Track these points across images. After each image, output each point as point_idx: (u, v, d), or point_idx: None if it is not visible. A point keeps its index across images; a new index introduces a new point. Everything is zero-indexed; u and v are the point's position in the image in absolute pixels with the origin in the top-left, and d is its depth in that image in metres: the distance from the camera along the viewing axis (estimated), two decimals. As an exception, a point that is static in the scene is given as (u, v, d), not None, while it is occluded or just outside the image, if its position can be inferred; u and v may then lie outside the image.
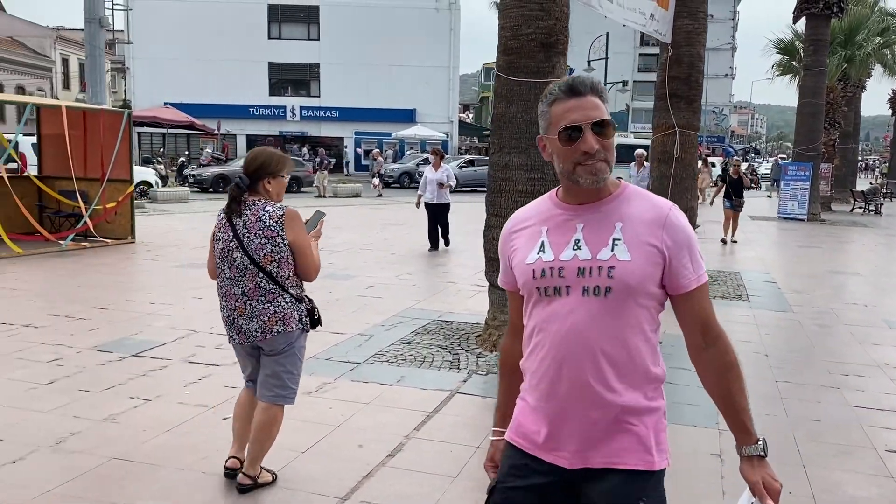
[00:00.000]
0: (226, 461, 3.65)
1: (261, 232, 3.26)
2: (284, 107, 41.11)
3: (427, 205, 11.93)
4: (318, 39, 40.90)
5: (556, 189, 1.85)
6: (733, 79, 69.06)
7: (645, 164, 13.88)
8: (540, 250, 1.77)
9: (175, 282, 8.73)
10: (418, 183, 13.66)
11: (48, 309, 7.07)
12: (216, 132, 35.11)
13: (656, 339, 1.78)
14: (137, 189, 16.20)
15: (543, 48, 5.60)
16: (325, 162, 27.04)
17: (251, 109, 40.82)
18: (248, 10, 39.58)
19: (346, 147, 41.97)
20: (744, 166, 28.97)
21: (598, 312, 1.69)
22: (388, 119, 40.43)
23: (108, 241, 11.60)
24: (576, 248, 1.72)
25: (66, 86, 48.04)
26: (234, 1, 39.23)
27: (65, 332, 6.25)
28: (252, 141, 41.54)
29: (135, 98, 36.99)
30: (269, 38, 40.73)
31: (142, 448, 3.95)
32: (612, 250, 1.69)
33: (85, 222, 11.13)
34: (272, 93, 41.24)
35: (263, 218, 3.27)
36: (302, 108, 41.24)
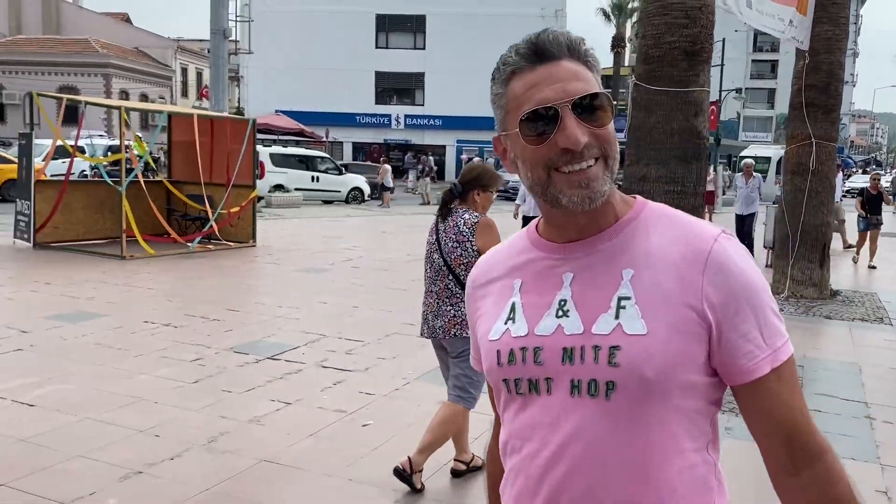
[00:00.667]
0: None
1: (454, 236, 3.53)
2: (389, 115, 41.86)
3: (525, 218, 11.58)
4: (424, 48, 41.48)
5: (536, 220, 1.23)
6: (854, 86, 65.53)
7: (754, 175, 12.76)
8: (509, 319, 1.15)
9: (299, 286, 8.96)
10: (516, 192, 13.46)
11: (184, 309, 7.38)
12: (324, 139, 36.15)
13: (713, 458, 1.11)
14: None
15: (687, 56, 5.41)
16: (428, 169, 27.32)
17: (357, 117, 41.78)
18: (356, 21, 40.57)
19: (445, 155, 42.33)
20: (886, 180, 26.69)
21: (600, 425, 1.05)
22: (491, 127, 40.23)
23: (231, 244, 12.06)
24: (561, 314, 1.09)
25: (185, 94, 50.58)
26: (343, 12, 40.29)
27: (202, 332, 6.50)
28: (357, 148, 42.54)
29: (247, 106, 38.56)
30: (377, 47, 41.60)
31: (288, 451, 4.03)
32: (617, 317, 1.05)
33: (211, 226, 11.61)
34: (378, 101, 42.07)
35: (459, 224, 3.53)
36: (406, 116, 41.89)
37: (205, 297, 8.07)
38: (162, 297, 8.04)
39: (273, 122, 24.92)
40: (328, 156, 25.16)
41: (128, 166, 10.91)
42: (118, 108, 10.97)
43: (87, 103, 11.10)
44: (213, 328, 6.65)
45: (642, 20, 5.66)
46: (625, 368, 1.02)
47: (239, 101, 41.96)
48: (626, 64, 51.19)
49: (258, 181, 22.55)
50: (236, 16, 18.51)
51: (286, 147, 25.19)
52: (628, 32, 48.64)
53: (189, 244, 11.36)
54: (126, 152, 11.12)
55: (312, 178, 23.12)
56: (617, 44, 45.92)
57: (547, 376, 1.08)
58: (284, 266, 10.51)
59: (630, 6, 45.59)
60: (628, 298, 1.06)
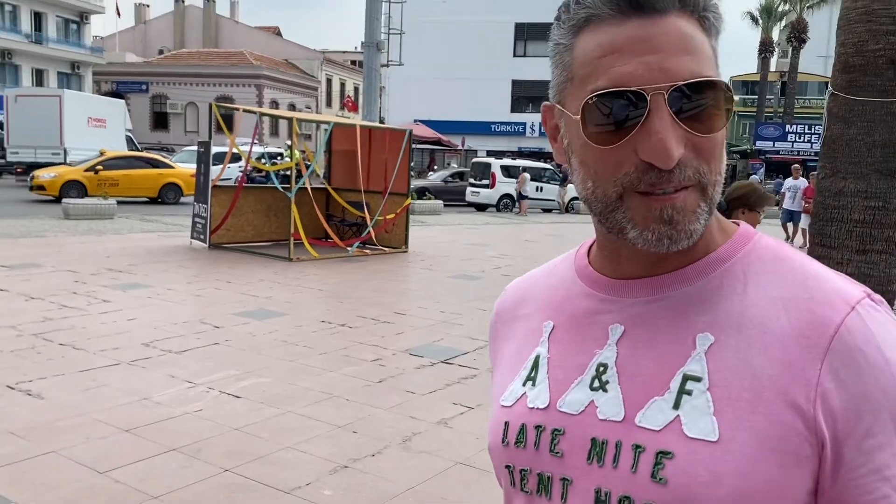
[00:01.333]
0: None
1: None
2: (524, 123, 41.97)
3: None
4: (563, 56, 41.34)
5: (590, 241, 0.88)
6: None
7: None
8: (528, 379, 0.83)
9: (456, 292, 9.15)
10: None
11: (356, 311, 7.72)
12: (460, 148, 36.74)
13: None
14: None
15: (893, 65, 5.11)
16: (570, 178, 27.18)
17: (492, 126, 42.17)
18: (495, 30, 41.01)
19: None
20: None
21: None
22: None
23: (386, 249, 12.49)
24: (597, 385, 0.76)
25: (329, 104, 52.88)
26: (483, 21, 40.84)
27: (376, 333, 6.77)
28: (491, 155, 42.86)
29: (388, 115, 39.79)
30: (514, 55, 41.84)
31: (481, 456, 4.13)
32: (677, 406, 0.71)
33: (369, 231, 12.07)
34: (513, 109, 42.29)
35: None
36: (541, 124, 41.82)
37: (372, 299, 8.40)
38: (332, 298, 8.45)
39: (413, 132, 25.65)
40: (551, 167, 26.38)
41: (286, 173, 11.53)
42: (290, 118, 11.62)
43: (261, 114, 11.84)
44: (385, 330, 6.92)
45: (842, 27, 5.39)
46: (673, 489, 0.68)
47: (380, 111, 43.41)
48: (774, 69, 48.71)
49: (489, 190, 24.32)
50: (388, 28, 19.19)
51: (514, 160, 27.59)
52: (776, 37, 46.34)
53: (348, 248, 11.87)
54: (293, 159, 11.77)
55: (537, 188, 24.90)
56: (765, 49, 43.86)
57: (564, 475, 0.76)
58: (437, 272, 10.76)
59: (779, 9, 43.44)
60: (698, 380, 0.71)
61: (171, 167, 21.26)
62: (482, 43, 40.90)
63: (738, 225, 0.80)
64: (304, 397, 4.94)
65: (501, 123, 42.25)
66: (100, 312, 7.00)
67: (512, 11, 40.87)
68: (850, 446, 0.67)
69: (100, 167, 19.95)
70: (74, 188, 19.31)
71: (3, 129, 26.96)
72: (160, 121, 50.31)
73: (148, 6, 63.05)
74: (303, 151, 13.47)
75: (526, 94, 42.30)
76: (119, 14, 54.85)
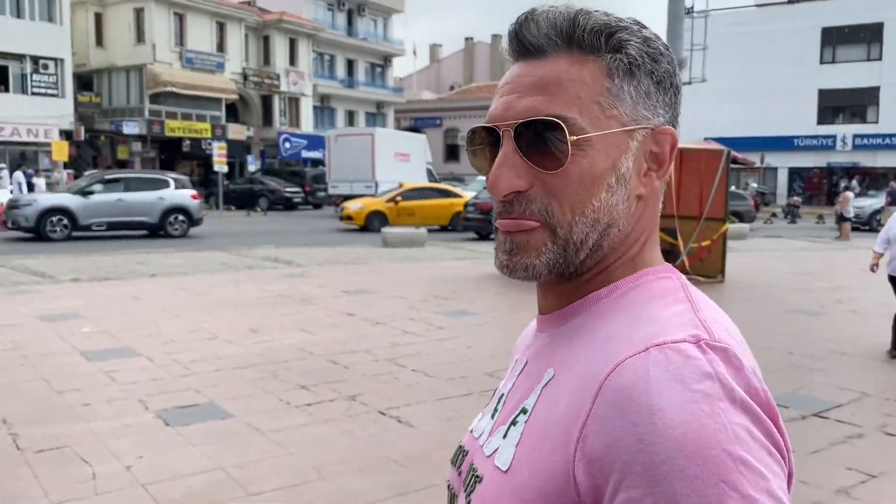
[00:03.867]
0: None
1: None
2: (834, 136, 37.79)
3: (892, 278, 6.91)
4: (880, 59, 36.58)
5: None
6: None
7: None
8: (494, 411, 0.86)
9: (798, 330, 8.16)
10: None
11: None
12: (757, 165, 34.01)
13: None
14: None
15: None
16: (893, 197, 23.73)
17: (795, 140, 38.55)
18: (799, 37, 37.57)
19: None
20: None
21: None
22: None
23: (700, 278, 11.70)
24: (495, 413, 0.83)
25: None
26: (785, 30, 37.67)
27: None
28: (793, 173, 39.19)
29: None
30: (821, 62, 37.95)
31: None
32: (506, 435, 0.75)
33: (682, 260, 11.40)
34: (820, 121, 38.29)
35: None
36: (855, 136, 37.33)
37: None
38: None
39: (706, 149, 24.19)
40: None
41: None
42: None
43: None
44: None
45: None
46: None
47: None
48: None
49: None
50: (692, 45, 18.34)
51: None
52: None
53: (660, 277, 11.31)
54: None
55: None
56: None
57: (455, 491, 0.86)
58: (765, 305, 9.76)
59: None
60: (525, 412, 0.74)
61: (461, 196, 22.34)
62: (784, 53, 37.65)
63: (655, 268, 0.78)
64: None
65: (806, 137, 38.44)
66: (438, 339, 7.27)
67: (819, 16, 37.19)
68: (607, 498, 0.61)
69: (399, 198, 21.56)
70: (377, 218, 21.07)
71: (324, 166, 30.51)
72: (451, 152, 53.57)
73: (441, 46, 67.98)
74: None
75: (835, 104, 38.10)
76: (416, 55, 59.77)
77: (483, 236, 18.71)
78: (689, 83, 19.55)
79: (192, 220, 18.92)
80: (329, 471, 4.04)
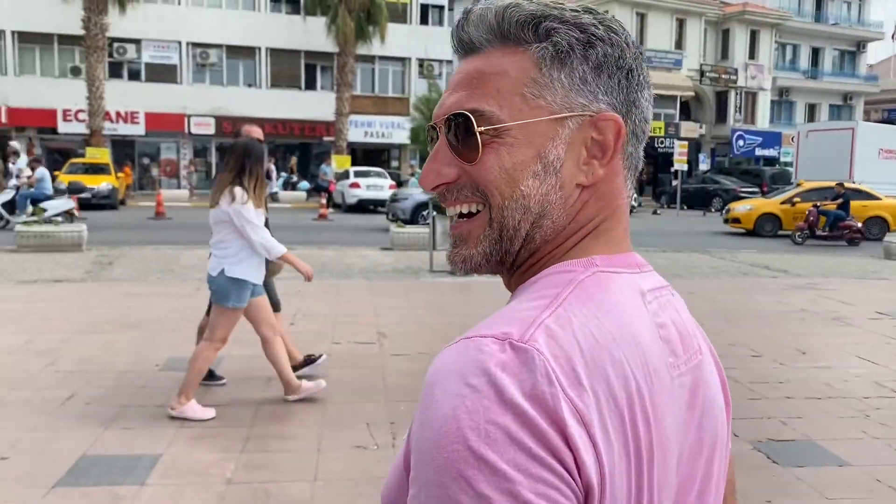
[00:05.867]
0: None
1: None
2: None
3: None
4: None
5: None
6: None
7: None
8: None
9: None
10: None
11: None
12: None
13: None
14: None
15: None
16: None
17: None
18: None
19: None
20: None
21: None
22: None
23: None
24: None
25: None
26: None
27: None
28: None
29: None
30: None
31: None
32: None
33: None
34: None
35: None
36: None
37: None
38: None
39: None
40: None
41: None
42: None
43: None
44: None
45: None
46: None
47: None
48: None
49: None
50: None
51: None
52: None
53: None
54: None
55: None
56: None
57: None
58: None
59: None
60: None
61: (878, 199, 18.86)
62: None
63: (586, 259, 0.75)
64: None
65: None
66: None
67: None
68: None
69: (797, 199, 18.67)
70: (769, 221, 18.79)
71: (780, 165, 27.82)
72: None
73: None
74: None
75: None
76: (894, 38, 51.62)
77: None
78: None
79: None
80: None
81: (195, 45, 31.66)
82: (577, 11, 0.74)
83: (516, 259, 0.76)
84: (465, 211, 0.76)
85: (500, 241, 0.75)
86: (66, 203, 15.49)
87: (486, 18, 0.74)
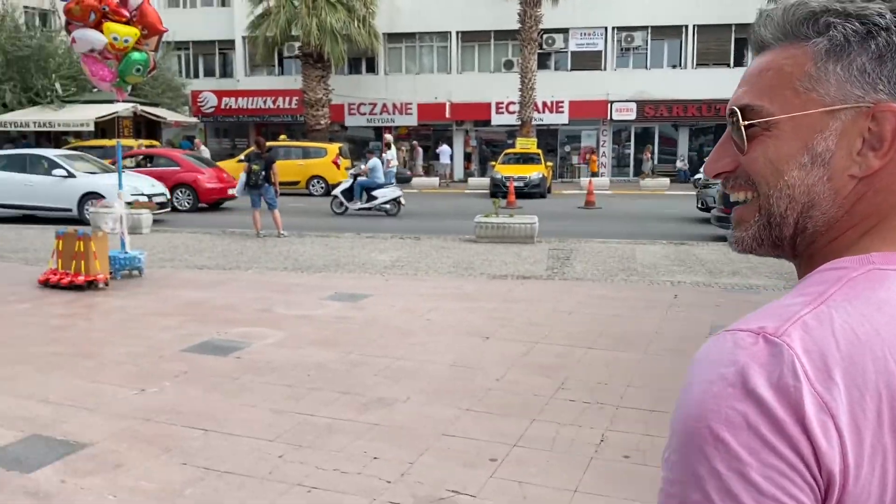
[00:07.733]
0: None
1: None
2: None
3: None
4: None
5: None
6: None
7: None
8: None
9: None
10: None
11: None
12: None
13: None
14: None
15: None
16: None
17: None
18: None
19: None
20: None
21: None
22: None
23: None
24: None
25: None
26: None
27: None
28: None
29: None
30: None
31: None
32: None
33: None
34: None
35: None
36: None
37: None
38: None
39: None
40: None
41: None
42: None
43: None
44: None
45: None
46: None
47: None
48: None
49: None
50: None
51: None
52: None
53: None
54: None
55: None
56: None
57: None
58: None
59: None
60: None
61: None
62: None
63: (865, 255, 0.73)
64: None
65: None
66: None
67: None
68: None
69: None
70: None
71: None
72: None
73: None
74: None
75: None
76: None
77: None
78: None
79: None
80: None
81: (620, 28, 31.18)
82: (867, 1, 0.70)
83: (795, 247, 0.76)
84: (741, 199, 0.78)
85: (769, 227, 0.76)
86: (394, 191, 17.03)
87: (774, 17, 0.75)
